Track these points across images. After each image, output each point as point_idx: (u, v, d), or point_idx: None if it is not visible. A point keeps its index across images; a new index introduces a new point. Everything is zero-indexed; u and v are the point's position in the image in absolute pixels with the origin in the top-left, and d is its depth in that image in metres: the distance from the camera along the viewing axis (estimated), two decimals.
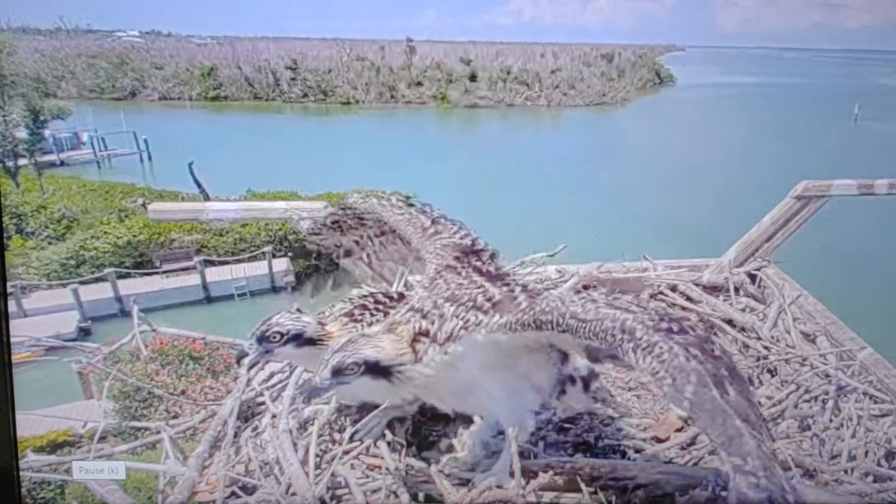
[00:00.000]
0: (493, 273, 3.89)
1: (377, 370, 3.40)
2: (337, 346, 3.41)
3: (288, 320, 3.96)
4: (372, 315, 4.21)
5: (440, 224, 4.34)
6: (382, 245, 4.98)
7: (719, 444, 2.55)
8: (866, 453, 4.30)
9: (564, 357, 3.94)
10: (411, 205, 4.55)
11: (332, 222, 4.98)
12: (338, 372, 3.34)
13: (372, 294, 4.47)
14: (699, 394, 2.65)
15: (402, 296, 4.40)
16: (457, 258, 3.99)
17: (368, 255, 5.06)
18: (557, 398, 4.06)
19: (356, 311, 4.23)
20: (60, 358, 10.65)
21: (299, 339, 3.94)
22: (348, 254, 5.10)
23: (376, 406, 4.19)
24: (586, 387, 4.15)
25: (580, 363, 4.05)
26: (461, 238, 4.20)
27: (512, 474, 3.69)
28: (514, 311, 3.37)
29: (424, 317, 3.51)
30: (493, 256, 4.15)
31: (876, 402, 4.87)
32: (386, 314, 4.09)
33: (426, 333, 3.46)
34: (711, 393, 2.66)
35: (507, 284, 3.73)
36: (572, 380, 4.05)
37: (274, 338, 3.89)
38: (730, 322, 6.18)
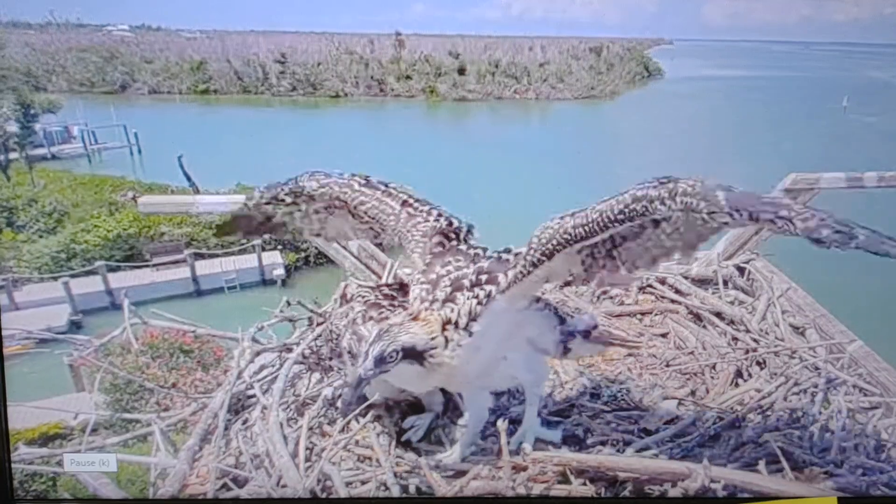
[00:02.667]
0: (475, 251, 3.96)
1: (413, 355, 3.48)
2: (373, 338, 3.47)
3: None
4: (389, 310, 4.28)
5: (410, 207, 4.32)
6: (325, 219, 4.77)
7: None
8: (856, 446, 4.26)
9: (562, 320, 4.09)
10: (374, 186, 4.43)
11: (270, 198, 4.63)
12: (380, 360, 3.42)
13: (378, 287, 4.64)
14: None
15: (403, 286, 4.45)
16: (440, 244, 4.04)
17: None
18: (563, 355, 4.24)
19: (385, 302, 4.35)
20: (52, 350, 10.66)
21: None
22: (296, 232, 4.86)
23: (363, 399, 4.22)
24: (587, 336, 4.24)
25: (577, 320, 4.21)
26: (436, 220, 4.21)
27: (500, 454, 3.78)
28: (515, 263, 3.57)
29: (444, 305, 3.60)
30: (469, 232, 4.20)
31: (866, 395, 4.92)
32: (396, 307, 4.26)
33: (450, 321, 3.53)
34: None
35: (489, 256, 3.87)
36: (572, 335, 4.14)
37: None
38: (719, 315, 6.17)
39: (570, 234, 3.28)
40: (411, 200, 4.34)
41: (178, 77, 57.91)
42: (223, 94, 58.11)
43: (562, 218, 3.39)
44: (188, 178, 30.88)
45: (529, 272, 3.47)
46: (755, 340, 5.68)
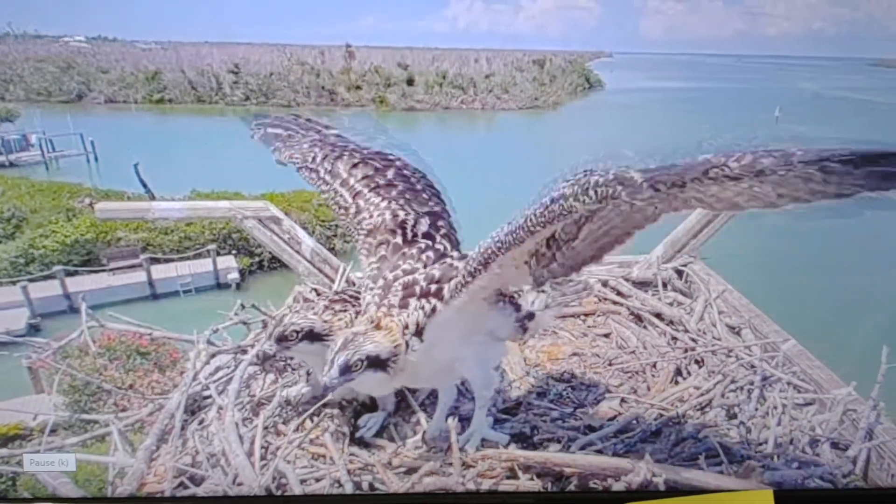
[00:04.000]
0: (422, 249, 4.03)
1: (377, 363, 3.50)
2: (338, 347, 3.48)
3: (300, 318, 4.14)
4: (352, 307, 4.36)
5: (361, 199, 4.34)
6: None
7: None
8: (791, 441, 4.42)
9: (517, 307, 4.16)
10: (335, 167, 4.51)
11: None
12: (345, 370, 3.43)
13: (344, 291, 4.77)
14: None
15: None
16: (383, 243, 4.08)
17: None
18: (523, 335, 4.32)
19: (336, 306, 4.35)
20: (11, 353, 10.53)
21: (311, 336, 4.12)
22: None
23: (315, 399, 4.56)
24: (545, 307, 4.43)
25: (529, 301, 4.34)
26: (380, 214, 4.22)
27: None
28: (458, 272, 3.57)
29: (401, 310, 3.63)
30: (416, 222, 4.21)
31: (799, 392, 5.03)
32: (355, 308, 4.33)
33: (408, 326, 3.59)
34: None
35: (440, 257, 3.97)
36: (529, 316, 4.26)
37: (291, 336, 4.07)
38: (658, 315, 6.34)
39: (502, 242, 3.27)
40: (365, 192, 4.37)
41: (133, 87, 57.99)
42: (178, 103, 58.28)
43: (500, 229, 3.34)
44: (144, 186, 30.96)
45: (468, 282, 3.47)
46: (693, 340, 5.81)
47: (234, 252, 26.84)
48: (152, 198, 28.75)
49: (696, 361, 5.55)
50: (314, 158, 4.62)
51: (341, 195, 4.42)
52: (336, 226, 27.84)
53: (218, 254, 26.35)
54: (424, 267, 3.88)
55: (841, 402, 4.73)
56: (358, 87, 61.97)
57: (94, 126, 45.44)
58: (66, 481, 4.24)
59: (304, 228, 7.69)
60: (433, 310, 3.60)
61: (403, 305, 3.65)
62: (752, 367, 5.25)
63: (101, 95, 57.03)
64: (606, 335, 6.21)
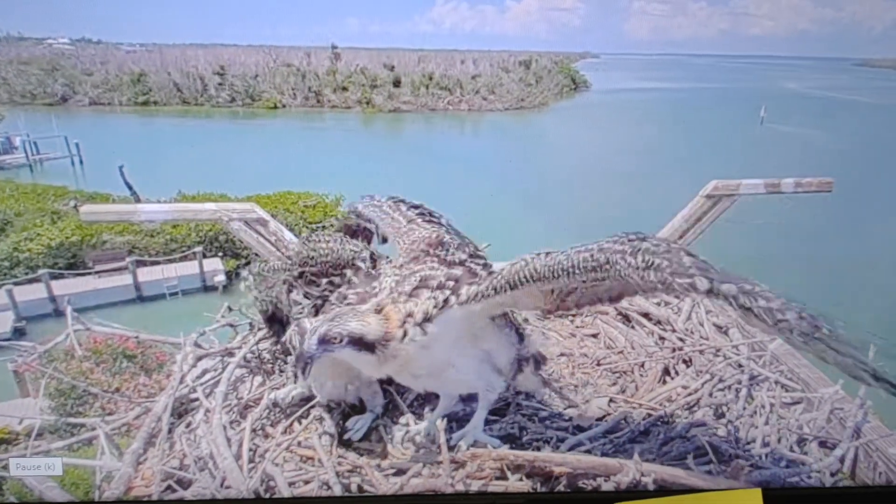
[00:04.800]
0: (454, 261, 4.04)
1: (361, 343, 3.50)
2: (327, 318, 3.52)
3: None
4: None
5: (415, 223, 4.51)
6: None
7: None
8: (779, 439, 4.40)
9: (521, 338, 4.15)
10: (398, 207, 4.80)
11: (345, 226, 5.25)
12: (324, 340, 3.45)
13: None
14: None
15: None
16: (424, 250, 4.15)
17: None
18: (514, 377, 4.24)
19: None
20: None
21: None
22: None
23: (309, 399, 4.58)
24: (537, 366, 4.35)
25: (531, 342, 4.28)
26: (428, 232, 4.35)
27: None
28: (482, 281, 3.59)
29: (408, 299, 3.64)
30: (459, 247, 4.26)
31: (787, 391, 5.00)
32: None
33: (410, 315, 3.56)
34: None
35: (467, 267, 3.98)
36: (526, 360, 4.21)
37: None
38: (646, 315, 6.28)
39: (537, 272, 3.28)
40: (419, 220, 4.59)
41: (118, 89, 57.51)
42: (163, 105, 58.11)
43: (537, 254, 3.37)
44: (129, 188, 30.90)
45: (490, 295, 3.45)
46: (681, 339, 5.78)
47: (220, 254, 26.78)
48: (138, 200, 28.67)
49: (684, 361, 5.51)
50: (379, 199, 4.99)
51: (397, 220, 4.65)
52: (323, 227, 27.87)
53: (204, 256, 26.33)
54: (448, 269, 3.90)
55: (828, 400, 4.73)
56: (344, 89, 62.16)
57: (78, 128, 45.52)
58: (52, 485, 4.21)
59: (291, 230, 7.61)
60: (445, 301, 3.59)
61: (414, 295, 3.65)
62: (740, 366, 5.23)
63: (85, 98, 56.87)
64: (594, 335, 6.14)
